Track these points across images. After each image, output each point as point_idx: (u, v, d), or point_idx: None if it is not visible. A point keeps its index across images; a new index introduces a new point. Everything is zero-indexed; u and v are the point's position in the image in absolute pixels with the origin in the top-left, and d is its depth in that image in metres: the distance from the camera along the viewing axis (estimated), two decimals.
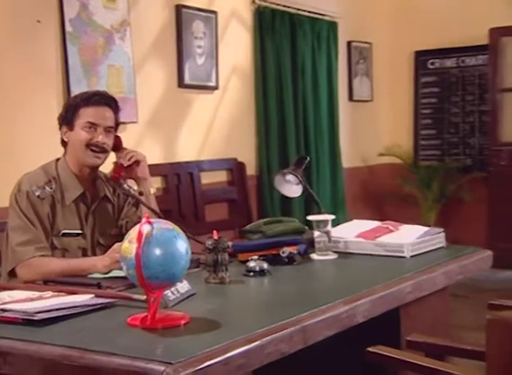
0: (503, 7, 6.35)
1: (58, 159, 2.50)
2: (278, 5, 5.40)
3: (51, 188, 2.38)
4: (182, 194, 4.58)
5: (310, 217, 2.48)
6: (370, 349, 1.58)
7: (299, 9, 5.62)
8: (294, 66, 5.55)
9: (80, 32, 3.88)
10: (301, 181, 2.69)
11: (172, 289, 1.79)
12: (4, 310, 1.71)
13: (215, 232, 2.08)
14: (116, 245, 2.17)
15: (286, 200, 5.44)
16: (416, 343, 1.70)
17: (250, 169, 5.20)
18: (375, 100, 6.77)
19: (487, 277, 5.37)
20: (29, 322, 1.64)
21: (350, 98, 6.44)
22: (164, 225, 1.60)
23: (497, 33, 6.25)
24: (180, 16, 4.57)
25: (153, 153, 4.09)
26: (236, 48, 5.11)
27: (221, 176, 4.98)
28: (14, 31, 3.58)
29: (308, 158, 2.79)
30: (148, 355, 1.36)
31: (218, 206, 4.92)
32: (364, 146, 6.56)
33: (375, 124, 6.80)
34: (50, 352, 1.46)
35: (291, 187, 2.73)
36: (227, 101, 5.03)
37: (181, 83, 4.60)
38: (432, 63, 6.80)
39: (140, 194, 2.49)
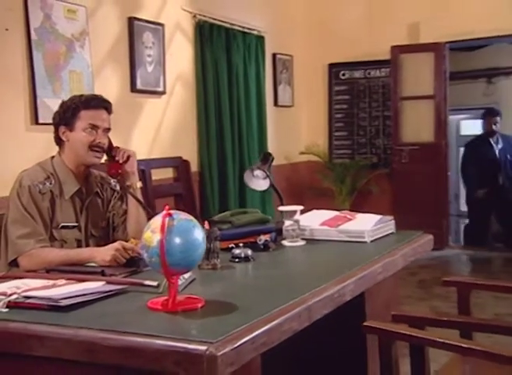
0: (402, 28, 6.54)
1: (52, 157, 2.38)
2: (215, 19, 5.35)
3: (50, 184, 2.27)
4: None
5: (281, 208, 2.46)
6: (366, 324, 1.58)
7: (233, 24, 5.58)
8: (229, 74, 5.52)
9: (44, 40, 3.71)
10: (268, 176, 2.66)
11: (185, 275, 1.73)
12: (27, 297, 1.60)
13: (206, 222, 2.03)
14: (118, 243, 2.09)
15: (223, 194, 5.42)
16: (400, 316, 1.71)
17: (193, 166, 5.13)
18: (295, 105, 6.81)
19: None
20: (53, 308, 1.55)
21: (275, 103, 6.46)
22: (183, 216, 1.54)
23: (397, 50, 6.41)
24: (132, 28, 4.45)
25: None
26: (180, 57, 5.03)
27: (168, 173, 4.89)
28: None
29: (272, 156, 2.75)
30: (186, 336, 1.30)
31: (167, 200, 4.82)
32: (287, 146, 6.59)
33: (296, 127, 6.85)
34: (89, 335, 1.36)
35: (258, 181, 2.69)
36: (173, 105, 4.94)
37: (133, 89, 4.48)
38: (343, 74, 6.90)
39: (129, 187, 2.41)
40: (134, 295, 1.69)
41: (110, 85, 4.27)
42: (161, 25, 4.75)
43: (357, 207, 6.27)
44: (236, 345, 1.27)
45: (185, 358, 1.25)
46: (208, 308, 1.52)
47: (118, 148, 2.41)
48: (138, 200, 2.39)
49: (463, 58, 7.75)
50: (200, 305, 1.53)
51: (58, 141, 2.37)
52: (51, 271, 2.03)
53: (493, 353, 1.28)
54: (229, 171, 5.43)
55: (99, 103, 2.33)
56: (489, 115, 6.46)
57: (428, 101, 6.39)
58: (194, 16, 5.14)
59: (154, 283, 1.70)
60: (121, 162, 2.40)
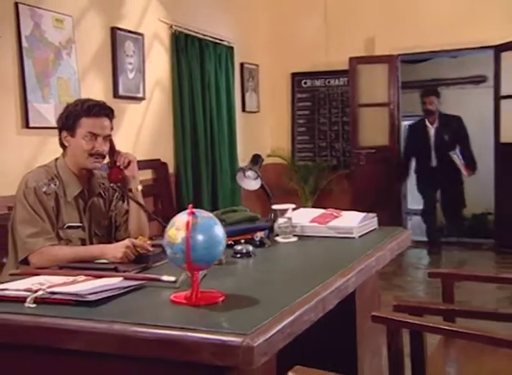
0: (359, 41, 6.63)
1: (56, 159, 2.33)
2: (189, 30, 5.32)
3: (54, 185, 2.22)
4: None
5: (274, 206, 2.47)
6: (374, 314, 1.60)
7: (205, 35, 5.56)
8: (203, 81, 5.49)
9: (34, 47, 3.62)
10: (259, 176, 2.66)
11: None
12: (53, 293, 1.56)
13: None
14: (128, 240, 2.06)
15: (197, 193, 5.39)
16: (400, 306, 1.73)
17: (170, 168, 5.09)
18: (261, 111, 6.83)
19: None
20: (80, 302, 1.52)
21: (243, 109, 6.46)
22: (205, 214, 1.53)
23: (355, 61, 6.49)
24: (115, 37, 4.39)
25: None
26: (158, 65, 4.98)
27: (148, 175, 4.83)
28: None
29: (262, 157, 2.74)
30: (220, 328, 1.29)
31: (146, 200, 4.74)
32: (254, 149, 6.57)
33: (261, 131, 6.86)
34: (123, 329, 1.34)
35: (250, 181, 2.70)
36: (151, 110, 4.89)
37: (116, 94, 4.41)
38: (305, 83, 6.96)
39: (130, 190, 2.37)
40: (152, 290, 1.67)
41: (95, 91, 4.19)
42: (141, 35, 4.70)
43: (320, 205, 6.31)
44: (268, 336, 1.27)
45: (221, 350, 1.24)
46: (229, 302, 1.51)
47: (119, 152, 2.37)
48: (139, 203, 2.37)
49: (412, 69, 7.90)
50: (221, 299, 1.53)
51: (62, 144, 2.32)
52: (64, 268, 1.99)
53: (496, 338, 1.32)
54: (203, 172, 5.41)
55: (100, 111, 2.25)
56: (424, 95, 6.12)
57: (383, 108, 6.49)
58: (171, 27, 5.10)
59: (172, 279, 1.69)
60: (122, 167, 2.36)
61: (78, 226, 2.27)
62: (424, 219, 6.37)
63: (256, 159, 2.71)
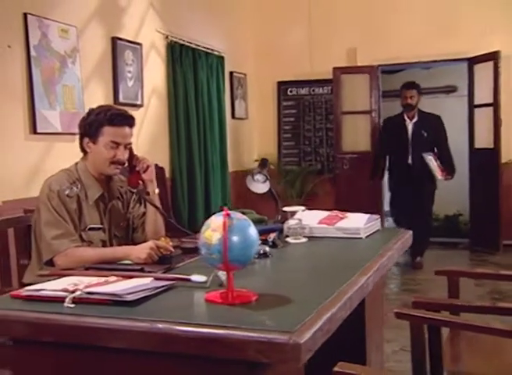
0: (342, 52, 6.69)
1: (76, 163, 2.30)
2: (183, 41, 5.31)
3: (77, 188, 2.20)
4: None
5: (285, 208, 2.48)
6: (397, 310, 1.61)
7: (198, 45, 5.55)
8: (196, 89, 5.48)
9: (41, 56, 3.57)
10: (268, 179, 2.66)
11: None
12: (90, 293, 1.55)
13: None
14: (151, 242, 2.04)
15: (192, 197, 5.37)
16: (420, 303, 1.75)
17: (166, 172, 5.06)
18: (249, 118, 6.83)
19: None
20: (118, 302, 1.50)
21: (233, 116, 6.45)
22: (239, 216, 1.53)
23: (338, 71, 6.54)
24: (115, 46, 4.35)
25: None
26: (155, 74, 4.96)
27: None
28: None
29: (268, 161, 2.75)
30: (262, 326, 1.29)
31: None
32: (243, 154, 6.61)
33: (249, 137, 6.87)
34: (166, 327, 1.33)
35: (259, 185, 2.69)
36: (149, 116, 4.86)
37: (116, 102, 4.37)
38: (291, 91, 6.98)
39: (147, 193, 2.36)
40: (183, 290, 1.65)
41: (97, 98, 4.15)
42: (140, 44, 4.68)
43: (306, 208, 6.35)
44: (312, 333, 1.26)
45: (268, 347, 1.23)
46: (263, 301, 1.50)
47: (137, 157, 2.35)
48: (156, 206, 2.36)
49: (389, 79, 7.99)
50: (254, 298, 1.52)
51: (83, 149, 2.29)
52: (90, 269, 1.96)
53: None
54: (197, 177, 5.39)
55: (123, 121, 2.22)
56: (404, 88, 5.51)
57: (365, 116, 6.55)
58: (167, 37, 5.08)
59: (202, 279, 1.68)
60: (142, 172, 2.35)
61: (99, 228, 2.25)
62: (397, 222, 5.67)
63: (264, 163, 2.71)
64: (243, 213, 2.76)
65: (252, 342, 1.25)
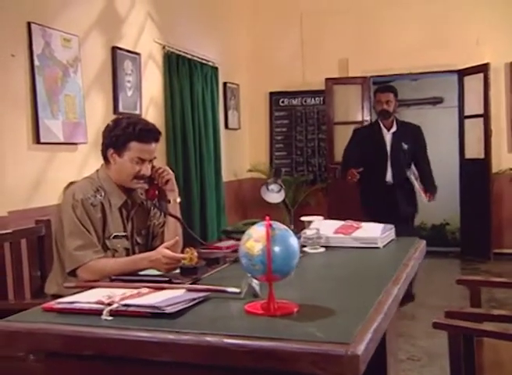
0: (334, 63, 6.73)
1: (97, 171, 2.27)
2: (180, 51, 5.29)
3: (100, 196, 2.16)
4: None
5: (303, 218, 2.47)
6: (435, 321, 1.61)
7: (193, 56, 5.54)
8: (192, 99, 5.46)
9: (44, 65, 3.52)
10: (283, 189, 2.65)
11: (254, 281, 1.68)
12: (127, 305, 1.51)
13: None
14: (165, 252, 2.01)
15: (188, 206, 5.32)
16: (453, 312, 1.75)
17: None
18: (242, 128, 6.83)
19: None
20: (157, 315, 1.47)
21: (226, 126, 6.44)
22: (280, 226, 1.52)
23: (330, 82, 6.58)
24: (115, 56, 4.32)
25: (98, 167, 3.81)
26: (153, 83, 4.93)
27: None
28: None
29: (282, 171, 2.74)
30: (314, 337, 1.27)
31: None
32: (235, 164, 6.60)
33: (242, 147, 6.86)
34: (215, 340, 1.30)
35: (273, 194, 2.67)
36: None
37: (116, 111, 4.33)
38: (283, 102, 7.00)
39: (168, 202, 2.33)
40: (217, 301, 1.62)
41: (97, 108, 4.12)
42: (138, 54, 4.65)
43: (298, 217, 6.35)
44: (365, 344, 1.25)
45: (323, 359, 1.21)
46: (304, 312, 1.49)
47: (157, 169, 2.32)
48: (175, 216, 2.33)
49: None
50: (295, 310, 1.50)
51: (106, 158, 2.26)
52: (116, 280, 1.93)
53: None
54: (193, 186, 5.36)
55: (150, 137, 2.19)
56: (378, 91, 4.57)
57: (356, 126, 6.57)
58: (164, 48, 5.06)
59: (237, 290, 1.66)
60: (161, 185, 2.32)
61: (123, 236, 2.22)
62: None
63: (278, 173, 2.70)
64: (255, 223, 2.77)
65: (306, 354, 1.23)
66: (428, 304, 4.50)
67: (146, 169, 2.20)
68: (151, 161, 2.23)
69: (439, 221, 7.69)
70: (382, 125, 4.55)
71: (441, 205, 6.99)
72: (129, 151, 2.16)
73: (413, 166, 4.57)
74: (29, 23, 3.40)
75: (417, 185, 4.50)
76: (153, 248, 2.33)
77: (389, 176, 4.51)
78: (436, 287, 5.15)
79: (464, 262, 6.19)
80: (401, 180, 4.49)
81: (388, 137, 4.54)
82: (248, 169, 6.67)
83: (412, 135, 4.56)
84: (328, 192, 6.60)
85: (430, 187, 4.52)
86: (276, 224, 1.51)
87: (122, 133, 2.16)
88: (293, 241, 1.49)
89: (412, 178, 4.49)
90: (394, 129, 4.53)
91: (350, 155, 4.72)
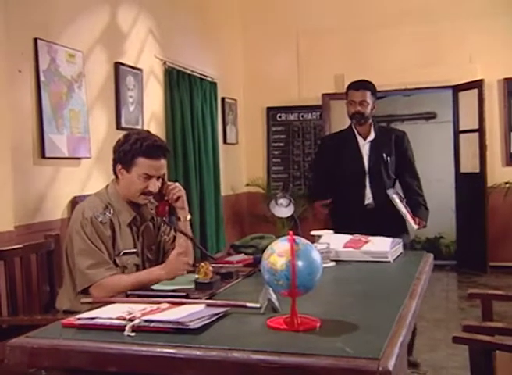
0: (330, 79, 6.77)
1: (106, 186, 2.26)
2: (180, 66, 5.31)
3: (109, 213, 2.15)
4: None
5: (313, 232, 2.46)
6: (455, 335, 1.60)
7: (193, 71, 5.56)
8: (192, 114, 5.46)
9: (49, 81, 3.51)
10: (292, 203, 2.64)
11: (273, 296, 1.67)
12: (150, 321, 1.50)
13: None
14: (172, 256, 2.05)
15: None
16: (471, 326, 1.74)
17: None
18: (239, 143, 6.84)
19: None
20: (181, 330, 1.46)
21: (224, 141, 6.44)
22: (303, 241, 1.51)
23: (327, 97, 6.62)
24: (118, 71, 4.32)
25: (101, 182, 3.78)
26: (154, 99, 4.93)
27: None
28: (1, 79, 3.15)
29: (291, 185, 2.73)
30: (344, 353, 1.26)
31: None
32: (233, 178, 6.59)
33: (239, 162, 6.86)
34: (243, 356, 1.29)
35: (282, 209, 2.66)
36: None
37: (118, 126, 4.32)
38: (280, 117, 7.02)
39: (178, 219, 2.32)
40: (237, 316, 1.62)
41: (100, 123, 4.11)
42: (140, 70, 4.65)
43: (295, 232, 6.34)
44: (395, 359, 1.25)
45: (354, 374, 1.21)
46: (326, 327, 1.48)
47: (168, 186, 2.31)
48: (185, 234, 2.32)
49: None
50: (318, 325, 1.50)
51: (115, 173, 2.25)
52: (131, 296, 1.91)
53: None
54: (194, 200, 5.34)
55: (158, 153, 2.18)
56: (351, 89, 3.50)
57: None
58: (164, 63, 5.07)
59: (257, 305, 1.65)
60: (171, 202, 2.31)
61: (133, 252, 2.20)
62: None
63: (287, 187, 2.70)
64: (262, 238, 2.76)
65: (337, 370, 1.23)
66: (427, 317, 4.49)
67: (153, 186, 2.19)
68: (159, 177, 2.21)
69: (433, 234, 7.71)
70: (356, 132, 3.48)
71: (435, 219, 7.02)
72: (136, 166, 2.15)
73: (397, 184, 3.58)
74: (35, 39, 3.40)
75: (402, 208, 3.31)
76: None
77: (368, 198, 3.40)
78: (435, 300, 5.15)
79: (461, 275, 6.20)
80: (385, 201, 3.34)
81: (365, 147, 3.46)
82: (246, 184, 6.67)
83: (395, 144, 3.49)
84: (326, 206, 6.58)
85: (418, 210, 3.38)
86: (300, 239, 1.50)
87: (130, 148, 2.15)
88: (316, 256, 1.49)
89: (395, 199, 3.31)
90: (372, 136, 3.45)
91: (315, 177, 3.79)
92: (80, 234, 2.08)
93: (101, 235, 2.10)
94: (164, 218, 2.32)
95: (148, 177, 2.17)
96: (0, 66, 3.14)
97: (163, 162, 2.21)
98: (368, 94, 3.44)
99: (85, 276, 2.04)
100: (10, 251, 2.39)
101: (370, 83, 3.54)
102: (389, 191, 3.36)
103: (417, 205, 3.40)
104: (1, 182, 3.09)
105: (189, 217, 2.35)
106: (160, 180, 2.24)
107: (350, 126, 3.56)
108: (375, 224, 3.08)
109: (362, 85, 3.49)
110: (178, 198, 2.29)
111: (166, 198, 2.28)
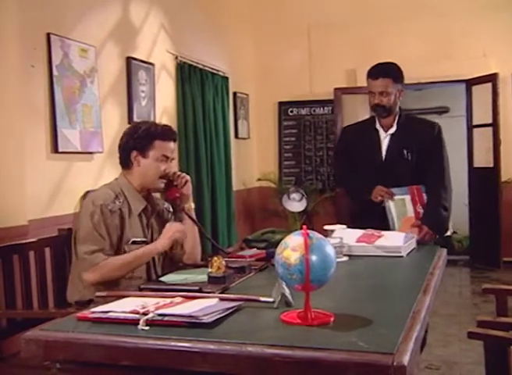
0: (342, 74, 6.74)
1: (116, 179, 2.29)
2: (192, 61, 5.30)
3: (119, 202, 2.17)
4: None
5: (326, 227, 2.45)
6: (470, 330, 1.59)
7: (205, 66, 5.55)
8: (203, 109, 5.46)
9: (62, 76, 3.53)
10: (305, 197, 2.63)
11: (287, 290, 1.66)
12: (164, 315, 1.49)
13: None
14: (168, 225, 2.18)
15: (199, 214, 5.29)
16: (486, 322, 1.73)
17: None
18: (251, 138, 6.83)
19: None
20: (194, 324, 1.45)
21: (236, 135, 6.43)
22: (317, 235, 1.50)
23: (339, 91, 6.58)
24: (130, 66, 4.32)
25: (113, 176, 3.76)
26: (166, 93, 4.93)
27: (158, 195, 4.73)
28: (14, 74, 3.18)
29: (302, 179, 2.72)
30: (358, 348, 1.25)
31: None
32: (245, 173, 6.58)
33: (251, 156, 6.85)
34: (257, 351, 1.28)
35: (294, 203, 2.66)
36: None
37: (130, 121, 4.33)
38: (291, 111, 7.00)
39: (184, 208, 2.35)
40: (251, 311, 1.60)
41: (112, 117, 4.12)
42: (152, 64, 4.65)
43: (308, 227, 6.32)
44: (410, 354, 1.23)
45: (369, 370, 1.19)
46: (340, 321, 1.47)
47: (175, 172, 2.35)
48: (193, 220, 2.35)
49: None
50: (332, 319, 1.48)
51: (127, 163, 2.27)
52: (144, 290, 1.91)
53: None
54: (205, 194, 5.35)
55: (172, 135, 2.29)
56: (370, 77, 3.09)
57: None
58: (176, 58, 5.07)
59: (271, 300, 1.64)
60: (180, 187, 2.34)
61: (142, 242, 2.22)
62: None
63: (299, 182, 2.68)
64: (273, 232, 2.76)
65: (351, 364, 1.21)
66: (440, 312, 4.47)
67: (170, 168, 2.28)
68: (173, 161, 2.30)
69: None
70: (378, 123, 3.07)
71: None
72: (154, 150, 2.22)
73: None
74: (48, 35, 3.40)
75: (394, 218, 2.94)
76: (172, 258, 2.34)
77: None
78: (448, 295, 5.12)
79: (474, 271, 6.16)
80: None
81: (386, 140, 3.04)
82: (257, 179, 6.66)
83: (422, 138, 3.00)
84: (337, 201, 6.57)
85: (440, 218, 2.99)
86: (313, 233, 1.49)
87: (146, 133, 2.22)
88: (330, 250, 1.47)
89: (390, 207, 2.94)
90: (393, 129, 3.03)
91: (340, 164, 3.33)
92: (87, 221, 2.11)
93: (108, 224, 2.12)
94: (176, 202, 2.36)
95: (165, 159, 2.25)
96: (13, 61, 3.17)
97: (174, 146, 2.31)
98: (390, 82, 2.97)
99: (84, 262, 2.08)
100: (24, 245, 2.41)
101: (392, 67, 3.06)
102: (395, 190, 2.96)
103: (441, 214, 2.98)
104: (15, 177, 3.12)
105: (193, 205, 2.39)
106: (174, 161, 2.29)
107: (372, 116, 3.16)
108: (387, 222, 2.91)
109: (382, 72, 3.01)
110: (186, 182, 2.32)
111: (175, 183, 2.31)
